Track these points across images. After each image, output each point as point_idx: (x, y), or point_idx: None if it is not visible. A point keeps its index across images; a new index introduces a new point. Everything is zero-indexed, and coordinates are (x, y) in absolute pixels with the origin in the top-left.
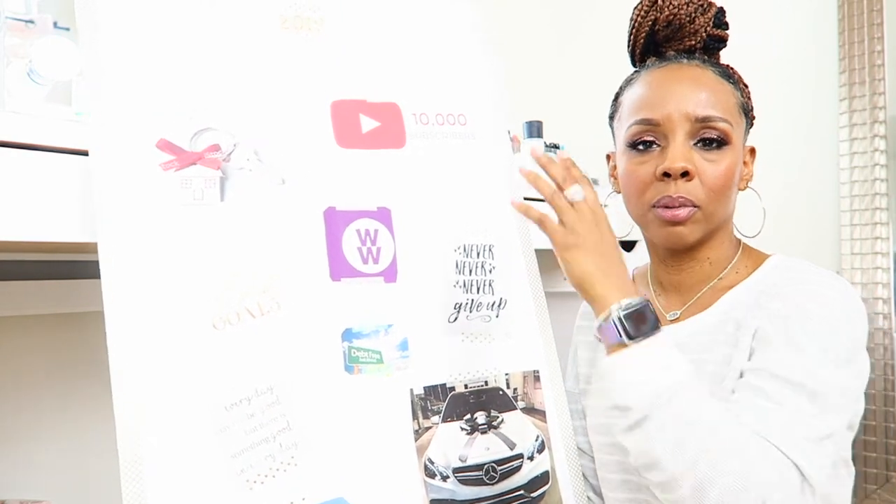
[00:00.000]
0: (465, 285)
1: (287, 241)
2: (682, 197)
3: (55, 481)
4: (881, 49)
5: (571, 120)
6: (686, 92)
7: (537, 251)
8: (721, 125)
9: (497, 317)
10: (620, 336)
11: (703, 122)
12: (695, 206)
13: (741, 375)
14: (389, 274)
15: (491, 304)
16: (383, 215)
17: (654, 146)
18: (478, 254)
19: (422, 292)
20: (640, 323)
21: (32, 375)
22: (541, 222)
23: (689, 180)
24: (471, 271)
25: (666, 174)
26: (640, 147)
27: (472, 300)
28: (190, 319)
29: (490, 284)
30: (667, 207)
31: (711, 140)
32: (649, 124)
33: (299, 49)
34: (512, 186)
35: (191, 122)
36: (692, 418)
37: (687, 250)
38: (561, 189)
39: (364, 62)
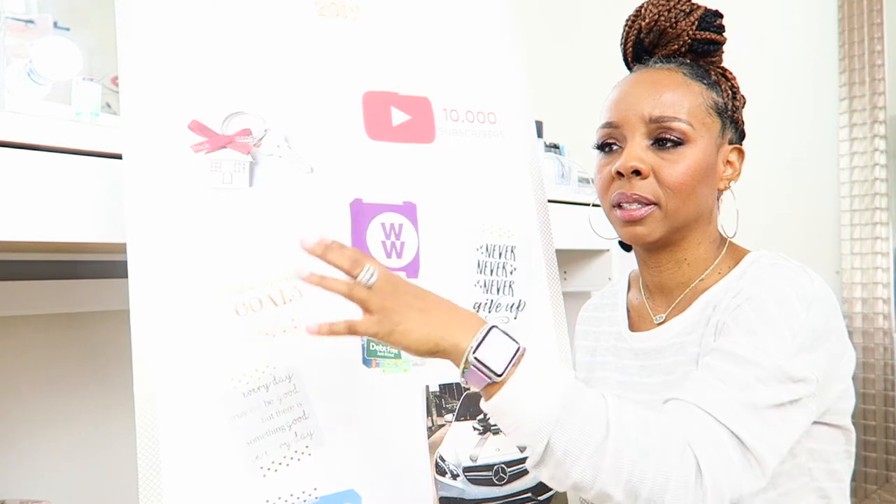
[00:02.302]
0: (485, 285)
1: (312, 230)
2: (635, 194)
3: (55, 481)
4: (881, 49)
5: (571, 120)
6: (643, 94)
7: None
8: (676, 125)
9: (515, 318)
10: (489, 378)
11: (657, 122)
12: (652, 204)
13: None
14: (412, 269)
15: (510, 305)
16: (409, 210)
17: (616, 147)
18: (499, 254)
19: (443, 289)
20: (500, 352)
21: (32, 375)
22: (350, 329)
23: (643, 179)
24: (492, 271)
25: (619, 173)
26: (606, 149)
27: (492, 300)
28: (212, 304)
29: (510, 286)
30: (622, 206)
31: (667, 140)
32: (611, 127)
33: (334, 36)
34: (537, 187)
35: (223, 106)
36: (592, 426)
37: (661, 250)
38: (353, 276)
39: (397, 54)
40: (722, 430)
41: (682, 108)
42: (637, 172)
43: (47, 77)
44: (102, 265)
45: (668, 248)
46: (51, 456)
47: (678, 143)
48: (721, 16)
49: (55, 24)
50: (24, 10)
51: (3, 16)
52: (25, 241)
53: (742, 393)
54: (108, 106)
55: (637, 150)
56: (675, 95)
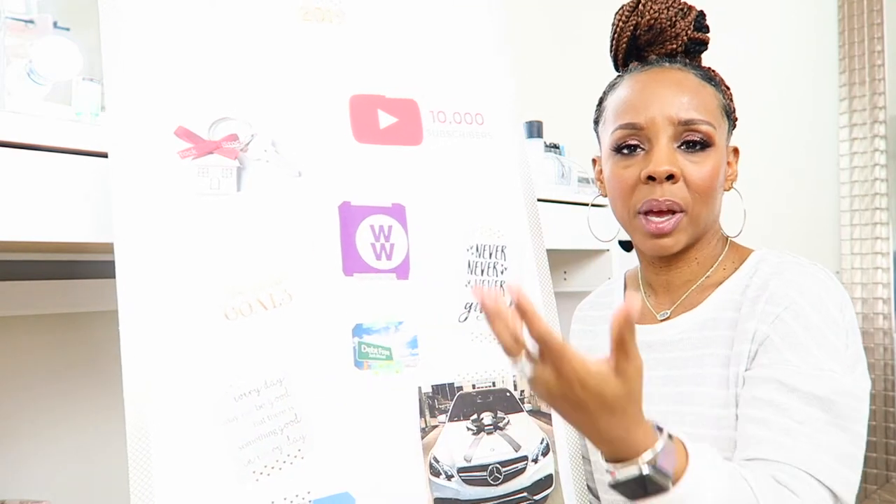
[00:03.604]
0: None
1: (301, 234)
2: (668, 200)
3: (55, 481)
4: (881, 49)
5: (571, 120)
6: (669, 95)
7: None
8: (704, 128)
9: None
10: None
11: (687, 125)
12: (680, 212)
13: (744, 382)
14: (402, 271)
15: None
16: (398, 212)
17: (639, 150)
18: (490, 254)
19: (433, 290)
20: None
21: (32, 375)
22: None
23: (674, 183)
24: (482, 271)
25: (651, 177)
26: (625, 151)
27: None
28: (202, 309)
29: (501, 286)
30: (652, 214)
31: (695, 142)
32: (633, 128)
33: (319, 41)
34: (526, 187)
35: (209, 111)
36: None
37: (675, 254)
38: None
39: (383, 57)
40: (823, 490)
41: (706, 110)
42: (671, 177)
43: (47, 77)
44: (102, 265)
45: (683, 251)
46: (51, 456)
47: (705, 146)
48: (706, 16)
49: (55, 24)
50: (24, 10)
51: (3, 16)
52: (26, 241)
53: (829, 438)
54: None
55: (668, 154)
56: (698, 97)
